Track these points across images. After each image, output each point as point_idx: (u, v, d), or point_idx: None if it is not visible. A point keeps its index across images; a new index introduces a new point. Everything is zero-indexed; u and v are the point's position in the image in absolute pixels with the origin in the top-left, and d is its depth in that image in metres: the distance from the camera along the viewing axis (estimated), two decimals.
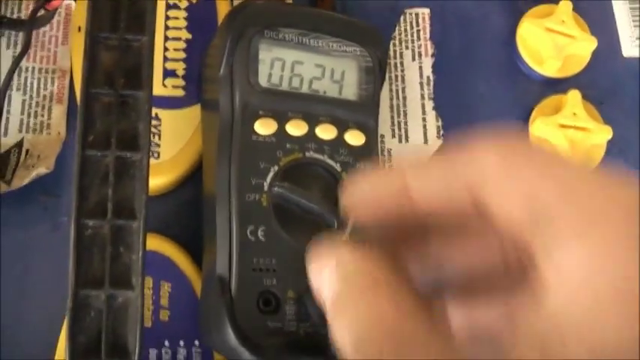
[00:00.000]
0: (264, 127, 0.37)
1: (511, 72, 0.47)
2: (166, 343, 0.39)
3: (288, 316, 0.35)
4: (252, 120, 0.37)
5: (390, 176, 0.24)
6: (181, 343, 0.39)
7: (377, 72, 0.39)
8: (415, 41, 0.47)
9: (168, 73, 0.43)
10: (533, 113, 0.45)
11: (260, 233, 0.36)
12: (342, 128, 0.38)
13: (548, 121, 0.44)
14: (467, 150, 0.22)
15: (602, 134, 0.44)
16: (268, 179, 0.36)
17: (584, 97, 0.45)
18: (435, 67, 0.46)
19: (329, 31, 0.39)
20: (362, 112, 0.39)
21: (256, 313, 0.34)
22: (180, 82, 0.43)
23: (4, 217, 0.41)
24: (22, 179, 0.41)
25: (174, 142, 0.42)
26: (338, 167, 0.37)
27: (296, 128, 0.37)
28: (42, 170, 0.41)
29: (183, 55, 0.44)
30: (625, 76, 0.47)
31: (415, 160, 0.24)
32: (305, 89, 0.38)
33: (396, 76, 0.46)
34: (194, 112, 0.43)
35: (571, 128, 0.44)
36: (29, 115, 0.43)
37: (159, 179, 0.42)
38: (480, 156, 0.22)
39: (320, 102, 0.38)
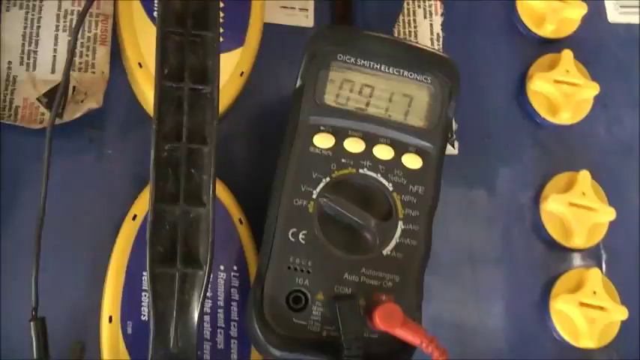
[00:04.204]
0: (323, 141, 0.40)
1: (511, 33, 0.52)
2: None
3: (314, 317, 0.38)
4: (313, 133, 0.40)
5: None
6: (221, 267, 0.43)
7: (446, 102, 0.42)
8: (426, 0, 0.51)
9: None
10: (531, 69, 0.51)
11: (301, 236, 0.39)
12: (401, 151, 0.41)
13: (545, 77, 0.49)
14: None
15: (590, 90, 0.50)
16: (318, 188, 0.39)
17: (574, 56, 0.50)
18: (443, 25, 0.51)
19: (403, 58, 0.42)
20: (424, 138, 0.41)
21: (284, 308, 0.38)
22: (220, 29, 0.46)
23: (55, 148, 0.44)
24: (74, 113, 0.44)
25: None
26: (390, 187, 0.40)
27: (353, 145, 0.40)
28: (92, 105, 0.44)
29: (222, 4, 0.46)
30: (609, 39, 0.53)
31: None
32: (370, 111, 0.41)
33: (409, 32, 0.51)
34: (232, 56, 0.46)
35: (564, 84, 0.50)
36: (75, 54, 0.46)
37: None
38: None
39: (382, 124, 0.41)
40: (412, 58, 0.42)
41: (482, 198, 0.48)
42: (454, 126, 0.49)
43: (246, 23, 0.47)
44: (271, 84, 0.48)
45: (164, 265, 0.36)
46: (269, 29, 0.48)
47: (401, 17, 0.51)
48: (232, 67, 0.46)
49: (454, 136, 0.49)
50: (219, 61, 0.37)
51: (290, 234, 0.39)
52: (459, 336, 0.46)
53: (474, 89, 0.50)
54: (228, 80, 0.46)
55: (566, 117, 0.50)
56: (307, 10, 0.51)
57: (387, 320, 0.37)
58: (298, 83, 0.41)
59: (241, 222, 0.44)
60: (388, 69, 0.42)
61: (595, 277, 0.46)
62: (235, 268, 0.43)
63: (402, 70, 0.42)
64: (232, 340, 0.42)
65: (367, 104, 0.41)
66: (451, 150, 0.48)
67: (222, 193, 0.44)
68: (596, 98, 0.50)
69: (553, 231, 0.48)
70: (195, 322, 0.36)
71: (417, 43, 0.48)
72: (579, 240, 0.47)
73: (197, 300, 0.36)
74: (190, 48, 0.37)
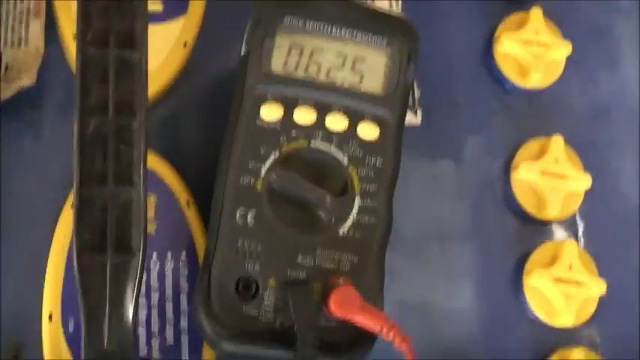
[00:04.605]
0: (270, 113, 0.37)
1: None
2: (154, 255, 0.40)
3: (266, 306, 0.35)
4: (259, 104, 0.37)
5: None
6: (169, 255, 0.40)
7: (404, 65, 0.38)
8: None
9: None
10: (498, 30, 0.47)
11: (249, 217, 0.36)
12: (356, 120, 0.38)
13: (513, 37, 0.46)
14: None
15: (561, 49, 0.47)
16: (267, 164, 0.36)
17: (545, 15, 0.47)
18: None
19: (356, 20, 0.38)
20: (381, 105, 0.38)
21: (233, 296, 0.35)
22: None
23: None
24: (6, 92, 0.40)
25: (155, 56, 0.42)
26: (345, 160, 0.37)
27: (304, 116, 0.37)
28: (25, 82, 0.41)
29: None
30: None
31: None
32: (321, 77, 0.38)
33: None
34: (173, 25, 0.43)
35: (534, 44, 0.46)
36: (7, 29, 0.42)
37: None
38: None
39: (335, 91, 0.38)
40: (366, 20, 0.39)
41: (449, 169, 0.45)
42: (416, 93, 0.46)
43: None
44: (220, 55, 0.44)
45: (93, 254, 0.32)
46: None
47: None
48: (174, 38, 0.43)
49: (416, 104, 0.45)
50: (147, 24, 0.33)
51: (237, 215, 0.36)
52: (426, 320, 0.43)
53: (437, 54, 0.47)
54: (171, 52, 0.43)
55: (536, 79, 0.46)
56: None
57: (344, 306, 0.34)
58: (243, 51, 0.38)
59: (189, 205, 0.41)
60: (340, 31, 0.38)
61: (571, 250, 0.43)
62: (184, 255, 0.40)
63: (355, 33, 0.38)
64: (182, 334, 0.39)
65: (318, 70, 0.38)
66: (413, 119, 0.45)
67: (168, 174, 0.41)
68: (569, 59, 0.47)
69: (525, 202, 0.45)
70: (131, 316, 0.32)
71: (372, 3, 0.45)
72: (553, 211, 0.44)
73: (131, 291, 0.33)
74: (116, 11, 0.34)
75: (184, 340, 0.39)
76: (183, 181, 0.41)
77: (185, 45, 0.43)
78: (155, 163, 0.41)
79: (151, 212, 0.40)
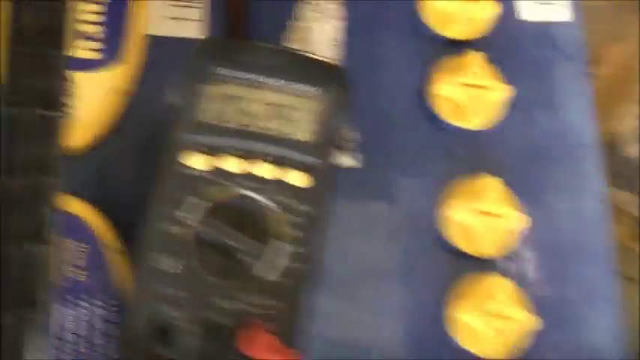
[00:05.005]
0: (198, 162, 0.37)
1: (415, 35, 0.49)
2: (84, 303, 0.40)
3: (186, 352, 0.35)
4: (186, 153, 0.37)
5: None
6: (98, 302, 0.40)
7: (334, 112, 0.38)
8: (323, 4, 0.48)
9: (83, 36, 0.43)
10: (436, 73, 0.47)
11: (176, 266, 0.36)
12: (284, 168, 0.38)
13: (451, 80, 0.46)
14: None
15: (500, 92, 0.47)
16: (195, 214, 0.37)
17: (486, 57, 0.47)
18: (342, 30, 0.48)
19: (285, 68, 0.39)
20: (310, 152, 0.38)
21: (153, 343, 0.35)
22: (96, 44, 0.44)
23: None
24: None
25: (89, 104, 0.43)
26: (274, 208, 0.37)
27: (232, 165, 0.37)
28: None
29: (98, 17, 0.44)
30: (524, 39, 0.50)
31: None
32: (251, 127, 0.38)
33: (305, 39, 0.48)
34: (110, 73, 0.43)
35: (472, 87, 0.46)
36: None
37: (74, 141, 0.42)
38: None
39: (264, 140, 0.38)
40: (296, 68, 0.39)
41: (384, 211, 0.45)
42: (355, 136, 0.46)
43: (124, 36, 0.44)
44: (156, 103, 0.44)
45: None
46: (156, 42, 0.46)
47: (295, 23, 0.48)
48: (111, 85, 0.44)
49: (354, 148, 0.45)
50: (65, 83, 0.34)
51: (163, 264, 0.36)
52: (354, 358, 0.42)
53: (377, 96, 0.47)
54: (107, 99, 0.43)
55: (475, 122, 0.46)
56: (200, 20, 0.47)
57: (262, 350, 0.34)
58: (174, 99, 0.38)
59: (120, 253, 0.41)
60: (270, 80, 0.39)
61: (503, 286, 0.43)
62: (113, 301, 0.40)
63: (284, 82, 0.39)
64: None
65: (247, 120, 0.38)
66: (351, 162, 0.45)
67: (99, 222, 0.41)
68: (510, 100, 0.47)
69: (459, 241, 0.45)
70: None
71: (303, 51, 0.45)
72: (487, 249, 0.44)
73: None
74: (31, 69, 0.34)
75: None
76: (120, 228, 0.41)
77: (121, 93, 0.43)
78: (86, 211, 0.41)
79: (81, 261, 0.40)
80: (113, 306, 0.40)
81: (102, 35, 0.44)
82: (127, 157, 0.44)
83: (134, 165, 0.44)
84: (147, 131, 0.44)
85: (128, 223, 0.41)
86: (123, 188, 0.44)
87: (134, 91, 0.44)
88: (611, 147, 0.74)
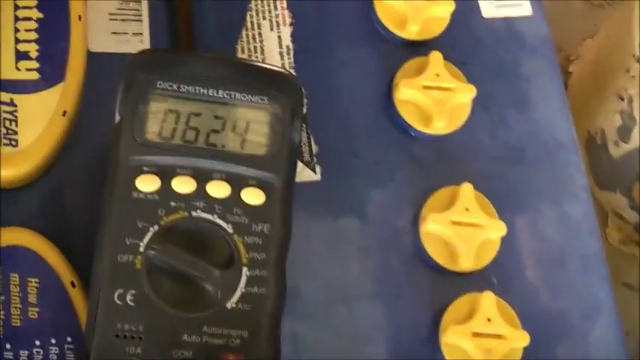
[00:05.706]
0: (146, 184, 0.35)
1: (372, 38, 0.47)
2: (37, 342, 0.37)
3: None
4: (134, 176, 0.35)
5: None
6: (53, 340, 0.37)
7: (288, 123, 0.36)
8: (272, 11, 0.46)
9: (20, 56, 0.41)
10: (397, 76, 0.45)
11: (129, 297, 0.34)
12: (238, 186, 0.35)
13: (412, 84, 0.44)
14: None
15: (466, 93, 0.45)
16: (145, 240, 0.34)
17: (447, 58, 0.45)
18: (293, 37, 0.46)
19: (233, 80, 0.37)
20: (265, 168, 0.36)
21: None
22: (34, 64, 0.41)
23: None
24: None
25: (32, 128, 0.40)
26: (230, 229, 0.35)
27: (183, 185, 0.35)
28: None
29: (35, 35, 0.42)
30: (486, 36, 0.48)
31: None
32: (200, 143, 0.36)
33: (255, 48, 0.45)
34: (51, 94, 0.41)
35: (435, 89, 0.44)
36: None
37: (19, 168, 0.40)
38: None
39: (215, 157, 0.36)
40: (244, 78, 0.37)
41: (353, 226, 0.43)
42: (314, 149, 0.43)
43: (65, 55, 0.42)
44: (103, 124, 0.41)
45: None
46: (98, 59, 0.43)
47: (244, 32, 0.45)
48: (52, 107, 0.41)
49: (314, 160, 0.43)
50: None
51: (116, 296, 0.34)
52: None
53: (335, 105, 0.45)
54: (49, 122, 0.41)
55: (440, 126, 0.44)
56: (142, 34, 0.45)
57: None
58: (116, 119, 0.36)
59: (74, 285, 0.38)
60: (217, 93, 0.36)
61: (488, 301, 0.41)
62: (69, 339, 0.37)
63: (233, 94, 0.36)
64: None
65: (196, 136, 0.36)
66: (312, 176, 0.43)
67: (50, 253, 0.39)
68: (476, 101, 0.45)
69: (436, 255, 0.42)
70: None
71: (251, 60, 0.43)
72: (467, 262, 0.42)
73: None
74: None
75: None
76: (68, 260, 0.39)
77: (64, 114, 0.41)
78: (36, 243, 0.39)
79: (33, 297, 0.38)
80: (70, 344, 0.37)
81: (40, 53, 0.41)
82: (76, 182, 0.41)
83: (85, 189, 0.41)
84: (95, 152, 0.42)
85: (83, 253, 0.38)
86: (75, 215, 0.41)
87: (78, 111, 0.41)
88: (594, 146, 0.72)
